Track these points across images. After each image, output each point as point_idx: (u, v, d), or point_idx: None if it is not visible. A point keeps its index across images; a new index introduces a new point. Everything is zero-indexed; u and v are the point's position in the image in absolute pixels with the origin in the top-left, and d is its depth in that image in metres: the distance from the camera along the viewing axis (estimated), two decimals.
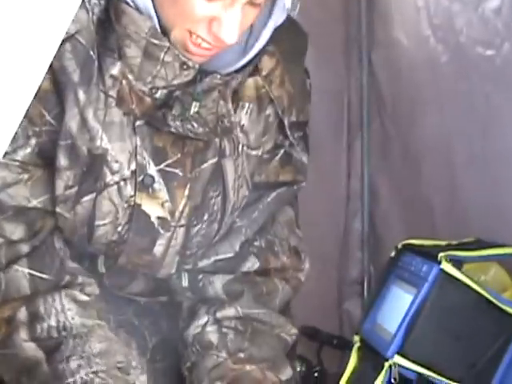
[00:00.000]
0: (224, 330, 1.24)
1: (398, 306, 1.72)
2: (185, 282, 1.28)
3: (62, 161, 1.14)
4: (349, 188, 2.36)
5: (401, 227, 2.24)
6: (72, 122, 1.12)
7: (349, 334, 2.22)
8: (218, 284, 1.26)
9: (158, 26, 1.10)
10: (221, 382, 1.20)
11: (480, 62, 1.96)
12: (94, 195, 1.16)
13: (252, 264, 1.27)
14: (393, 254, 1.83)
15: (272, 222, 1.30)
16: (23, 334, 1.13)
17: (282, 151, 1.28)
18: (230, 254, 1.27)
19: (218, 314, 1.25)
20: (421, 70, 2.14)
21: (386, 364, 1.66)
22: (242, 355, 1.22)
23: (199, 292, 1.27)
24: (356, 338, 1.80)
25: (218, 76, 1.14)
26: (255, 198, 1.27)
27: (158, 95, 1.14)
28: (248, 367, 1.21)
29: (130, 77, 1.13)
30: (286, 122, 1.25)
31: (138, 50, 1.11)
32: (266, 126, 1.24)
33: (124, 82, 1.13)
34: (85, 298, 1.17)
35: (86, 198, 1.16)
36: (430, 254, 1.72)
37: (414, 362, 1.64)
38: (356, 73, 2.32)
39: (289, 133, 1.26)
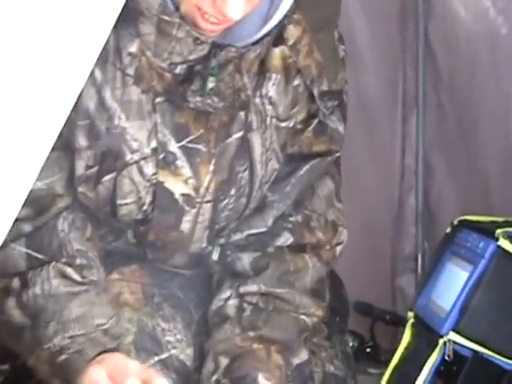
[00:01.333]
0: (244, 305, 1.23)
1: (454, 282, 1.70)
2: (215, 256, 1.27)
3: (82, 141, 1.14)
4: (403, 163, 2.33)
5: (456, 203, 2.21)
6: (89, 102, 1.12)
7: (402, 309, 2.21)
8: (245, 260, 1.25)
9: (168, 2, 1.09)
10: (224, 357, 1.19)
11: None
12: (114, 174, 1.16)
13: (285, 239, 1.25)
14: (448, 230, 1.81)
15: (311, 196, 1.28)
16: (12, 301, 1.16)
17: (315, 121, 1.25)
18: (263, 229, 1.26)
19: (241, 289, 1.24)
20: (479, 43, 2.10)
21: (441, 341, 1.64)
22: (251, 334, 1.21)
23: (228, 266, 1.27)
24: (410, 315, 1.78)
25: (233, 49, 1.13)
26: (287, 171, 1.26)
27: (177, 71, 1.13)
28: (255, 346, 1.20)
29: (149, 53, 1.12)
30: (315, 92, 1.22)
31: (151, 27, 1.10)
32: (296, 96, 1.22)
33: (143, 59, 1.12)
34: (76, 276, 1.17)
35: (106, 178, 1.16)
36: (486, 231, 1.69)
37: (469, 339, 1.62)
38: (412, 46, 2.28)
39: (319, 102, 1.23)
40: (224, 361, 1.18)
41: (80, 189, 1.17)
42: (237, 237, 1.26)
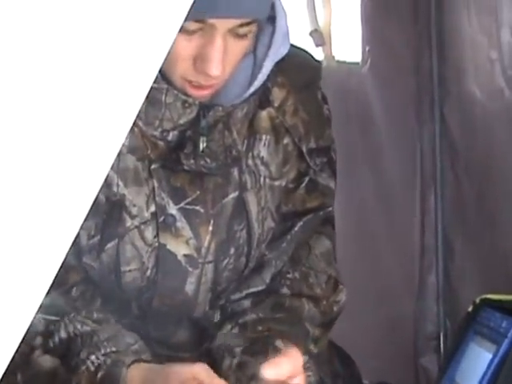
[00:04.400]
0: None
1: (477, 363, 1.68)
2: (216, 318, 1.27)
3: None
4: (423, 241, 2.33)
5: (477, 281, 2.20)
6: None
7: None
8: (245, 304, 1.26)
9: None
10: (238, 347, 1.19)
11: None
12: (116, 241, 1.17)
13: (284, 294, 1.26)
14: (470, 308, 1.79)
15: (307, 255, 1.29)
16: (38, 352, 1.15)
17: (306, 179, 1.28)
18: (262, 287, 1.26)
19: (240, 320, 1.23)
20: (495, 123, 2.12)
21: None
22: (260, 327, 1.21)
23: (228, 314, 1.27)
24: None
25: (220, 108, 1.16)
26: (283, 229, 1.27)
27: (170, 138, 1.16)
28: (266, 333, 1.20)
29: (140, 123, 1.15)
30: (304, 150, 1.26)
31: None
32: (286, 155, 1.25)
33: (135, 129, 1.15)
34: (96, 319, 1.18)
35: (109, 245, 1.17)
36: (509, 309, 1.68)
37: None
38: (428, 125, 2.31)
39: (309, 159, 1.26)
40: (238, 349, 1.18)
41: (84, 259, 1.18)
42: (236, 296, 1.26)
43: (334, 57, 2.26)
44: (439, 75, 2.28)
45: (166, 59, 1.08)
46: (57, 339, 1.15)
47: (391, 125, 2.33)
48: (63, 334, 1.15)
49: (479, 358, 1.68)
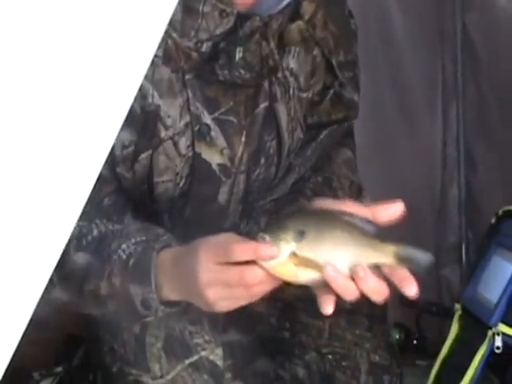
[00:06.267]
0: None
1: (500, 274, 1.69)
2: (243, 228, 1.28)
3: None
4: (445, 154, 2.33)
5: (499, 193, 2.20)
6: None
7: (447, 300, 2.20)
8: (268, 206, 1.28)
9: None
10: None
11: None
12: (150, 152, 1.17)
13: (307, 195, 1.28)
14: (493, 220, 1.80)
15: (329, 163, 1.32)
16: (72, 251, 1.12)
17: (331, 92, 1.30)
18: (284, 192, 1.29)
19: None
20: None
21: (490, 332, 1.64)
22: None
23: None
24: (457, 307, 1.78)
25: (258, 18, 1.16)
26: (308, 138, 1.29)
27: (203, 49, 1.15)
28: None
29: (174, 35, 1.14)
30: (334, 62, 1.27)
31: (177, 6, 1.11)
32: (314, 67, 1.26)
33: (169, 41, 1.14)
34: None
35: (142, 156, 1.17)
36: None
37: None
38: (450, 36, 2.27)
39: (338, 72, 1.28)
40: None
41: (117, 170, 1.18)
42: (259, 204, 1.28)
43: None
44: None
45: None
46: (89, 237, 1.14)
47: (411, 37, 2.29)
48: (95, 233, 1.15)
49: (502, 269, 1.69)
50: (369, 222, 1.03)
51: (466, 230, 2.32)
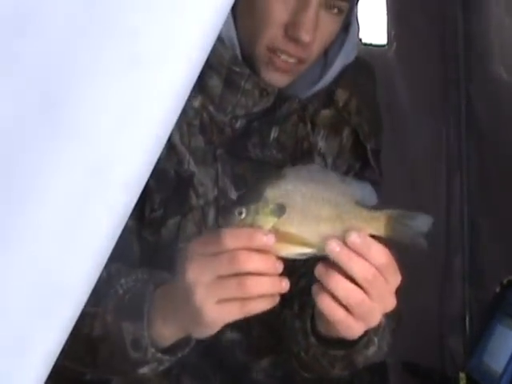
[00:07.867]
0: None
1: (505, 343, 1.69)
2: None
3: (152, 183, 1.15)
4: (448, 225, 2.34)
5: (503, 263, 2.20)
6: None
7: (450, 370, 2.19)
8: None
9: (239, 55, 1.13)
10: None
11: None
12: (179, 218, 1.17)
13: None
14: (498, 289, 1.81)
15: None
16: None
17: (352, 174, 1.31)
18: None
19: None
20: None
21: None
22: None
23: None
24: (462, 376, 1.78)
25: (297, 100, 1.17)
26: None
27: (237, 125, 1.17)
28: None
29: (211, 108, 1.16)
30: (368, 147, 1.29)
31: (219, 80, 1.14)
32: (341, 150, 1.28)
33: (204, 113, 1.17)
34: None
35: (171, 221, 1.17)
36: None
37: None
38: (454, 109, 2.31)
39: (371, 158, 1.29)
40: None
41: (142, 233, 1.17)
42: None
43: (360, 39, 2.27)
44: (465, 58, 2.28)
45: (252, 26, 1.11)
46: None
47: (416, 109, 2.33)
48: (104, 274, 1.10)
49: (507, 339, 1.69)
50: (361, 183, 0.95)
51: (470, 300, 2.32)
